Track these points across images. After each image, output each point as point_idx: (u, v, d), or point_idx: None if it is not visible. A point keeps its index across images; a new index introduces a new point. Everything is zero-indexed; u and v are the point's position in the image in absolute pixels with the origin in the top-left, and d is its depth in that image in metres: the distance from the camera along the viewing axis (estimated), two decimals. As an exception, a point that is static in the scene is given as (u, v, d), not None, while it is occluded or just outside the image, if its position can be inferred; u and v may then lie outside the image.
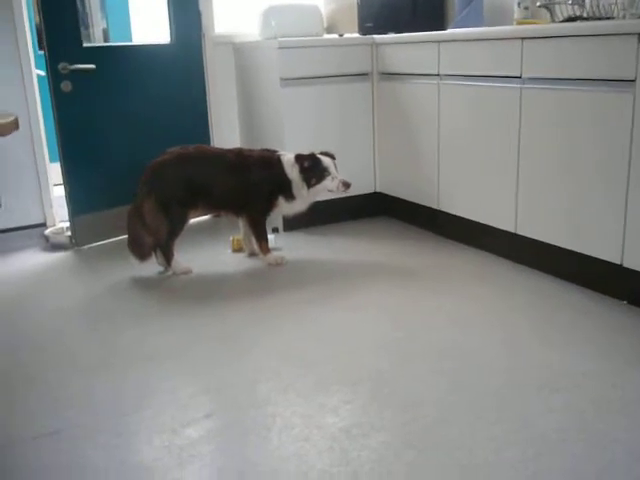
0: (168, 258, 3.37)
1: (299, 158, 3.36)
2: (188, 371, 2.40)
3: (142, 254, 3.33)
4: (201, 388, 2.28)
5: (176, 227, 3.33)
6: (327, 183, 3.36)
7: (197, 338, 2.66)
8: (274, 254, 3.51)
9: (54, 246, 3.93)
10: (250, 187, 3.36)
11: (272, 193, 3.41)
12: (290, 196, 3.42)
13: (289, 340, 2.61)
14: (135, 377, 2.36)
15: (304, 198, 3.44)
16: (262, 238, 3.47)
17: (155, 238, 3.32)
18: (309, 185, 3.36)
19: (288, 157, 3.41)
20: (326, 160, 3.38)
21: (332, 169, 3.37)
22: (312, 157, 3.38)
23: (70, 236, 3.90)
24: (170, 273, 3.39)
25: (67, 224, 3.96)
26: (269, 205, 3.44)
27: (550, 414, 2.01)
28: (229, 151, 3.46)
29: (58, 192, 4.17)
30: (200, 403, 2.18)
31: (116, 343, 2.65)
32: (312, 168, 3.35)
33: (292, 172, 3.37)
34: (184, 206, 3.32)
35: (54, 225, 4.21)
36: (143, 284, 3.32)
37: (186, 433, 1.99)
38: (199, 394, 2.24)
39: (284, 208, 3.50)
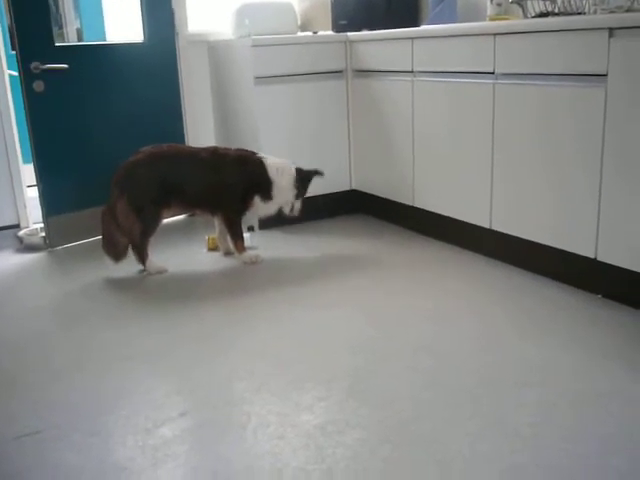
0: (142, 258, 3.35)
1: (302, 172, 3.51)
2: (163, 371, 2.39)
3: (117, 254, 3.32)
4: (176, 388, 2.27)
5: (149, 227, 3.30)
6: (298, 203, 3.55)
7: (173, 338, 2.64)
8: (249, 252, 3.50)
9: (28, 247, 3.88)
10: (225, 186, 3.35)
11: (248, 193, 3.41)
12: (268, 197, 3.44)
13: (264, 339, 2.60)
14: (111, 378, 2.34)
15: (280, 202, 3.50)
16: (237, 237, 3.47)
17: (129, 238, 3.30)
18: (297, 196, 3.51)
19: (274, 161, 3.45)
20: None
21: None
22: (311, 174, 3.55)
23: (44, 237, 3.86)
24: (145, 273, 3.36)
25: (41, 225, 3.92)
26: (244, 204, 3.44)
27: (524, 408, 2.02)
28: (203, 150, 3.43)
29: (32, 193, 4.13)
30: (175, 402, 2.16)
31: (91, 344, 2.62)
32: (305, 185, 3.54)
33: (279, 177, 3.43)
34: (157, 205, 3.29)
35: (28, 226, 4.17)
36: (118, 285, 3.29)
37: (160, 432, 1.98)
38: (174, 394, 2.23)
39: (259, 208, 3.51)
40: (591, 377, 2.17)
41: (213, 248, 3.70)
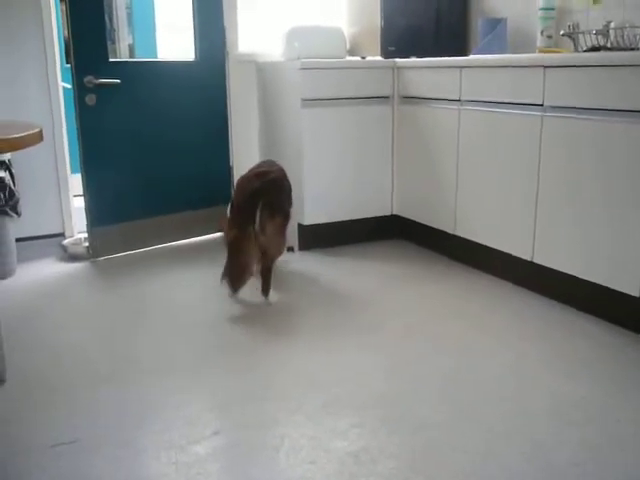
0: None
1: None
2: (197, 387, 2.40)
3: (241, 284, 3.14)
4: (209, 405, 2.28)
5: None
6: None
7: (207, 353, 2.66)
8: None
9: (71, 256, 3.96)
10: None
11: None
12: None
13: (301, 360, 2.60)
14: (144, 391, 2.36)
15: None
16: None
17: (275, 257, 3.17)
18: None
19: None
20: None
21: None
22: None
23: (87, 247, 3.93)
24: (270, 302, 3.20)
25: (85, 235, 3.99)
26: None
27: (565, 446, 1.98)
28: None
29: (78, 203, 4.21)
30: (208, 420, 2.17)
31: (127, 356, 2.65)
32: None
33: None
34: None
35: (72, 236, 4.25)
36: (155, 297, 3.32)
37: (194, 450, 1.98)
38: (207, 411, 2.23)
39: None
40: (634, 420, 2.12)
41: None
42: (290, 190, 3.40)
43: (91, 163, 3.80)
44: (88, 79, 3.65)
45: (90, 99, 3.69)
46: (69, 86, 3.81)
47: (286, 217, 3.18)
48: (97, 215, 3.86)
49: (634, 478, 1.83)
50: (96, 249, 3.91)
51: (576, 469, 1.87)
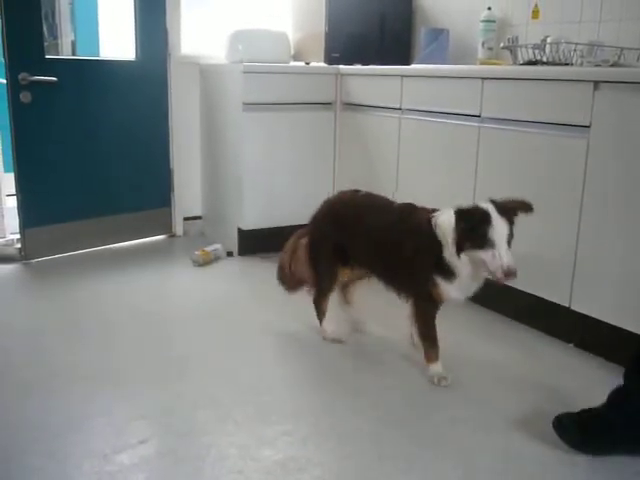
0: (319, 318, 2.86)
1: (460, 213, 2.29)
2: (128, 395, 2.34)
3: (291, 287, 2.91)
4: (139, 413, 2.21)
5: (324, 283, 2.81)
6: (483, 255, 2.21)
7: (139, 360, 2.60)
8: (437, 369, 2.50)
9: (2, 258, 3.83)
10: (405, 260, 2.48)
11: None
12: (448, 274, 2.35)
13: (234, 366, 2.56)
14: (72, 399, 2.29)
15: (462, 274, 2.32)
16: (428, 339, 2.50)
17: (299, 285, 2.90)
18: (460, 249, 2.26)
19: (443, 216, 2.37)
20: (497, 222, 2.21)
21: (498, 238, 2.20)
22: (475, 212, 2.26)
23: (19, 248, 3.82)
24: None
25: (17, 236, 3.87)
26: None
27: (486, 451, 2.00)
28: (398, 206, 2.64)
29: (11, 203, 4.09)
30: (136, 428, 2.11)
31: (55, 363, 2.56)
32: (472, 228, 2.23)
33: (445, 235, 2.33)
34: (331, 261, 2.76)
35: (4, 236, 4.12)
36: (89, 302, 3.24)
37: (118, 459, 1.94)
38: (136, 419, 2.18)
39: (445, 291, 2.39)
40: None
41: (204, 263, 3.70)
42: None
43: (25, 162, 3.68)
44: (22, 76, 3.54)
45: (25, 97, 3.58)
46: (3, 81, 3.70)
47: None
48: (30, 216, 3.75)
49: None
50: (28, 251, 3.79)
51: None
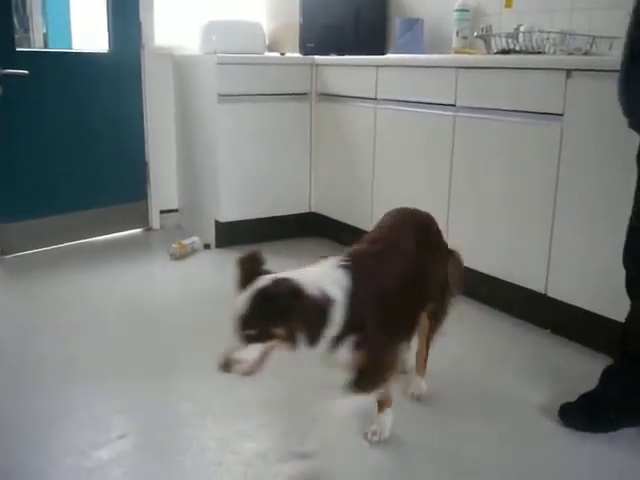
0: None
1: None
2: (108, 390, 2.33)
3: None
4: (119, 407, 2.21)
5: None
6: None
7: (120, 354, 2.59)
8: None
9: (-24, 254, 3.79)
10: None
11: None
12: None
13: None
14: (52, 394, 2.28)
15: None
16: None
17: None
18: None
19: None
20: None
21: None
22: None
23: (-6, 244, 3.78)
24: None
25: (-8, 232, 3.83)
26: None
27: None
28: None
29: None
30: (115, 423, 2.11)
31: (33, 358, 2.54)
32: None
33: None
34: None
35: (-22, 232, 4.07)
36: (67, 296, 3.22)
37: (97, 455, 1.93)
38: (116, 413, 2.17)
39: None
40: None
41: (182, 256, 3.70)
42: None
43: (-2, 156, 3.65)
44: (-7, 69, 3.50)
45: (-4, 90, 3.53)
46: (-26, 75, 3.64)
47: None
48: (4, 211, 3.70)
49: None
50: (4, 246, 3.75)
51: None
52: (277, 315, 1.58)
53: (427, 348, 2.22)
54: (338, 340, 1.67)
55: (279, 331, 1.59)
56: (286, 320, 1.58)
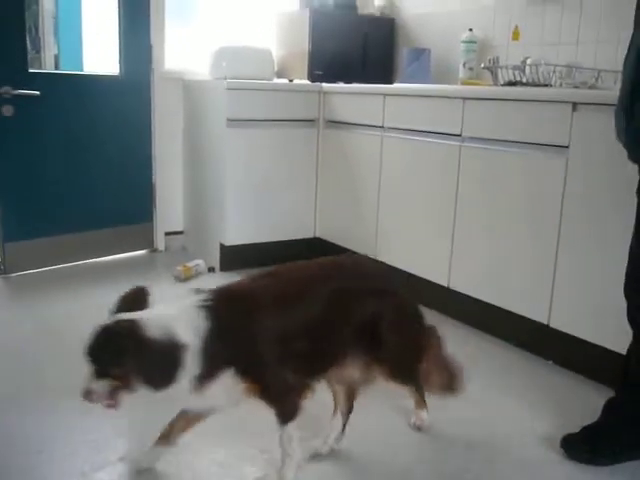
0: None
1: None
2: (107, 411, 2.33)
3: None
4: (118, 430, 2.21)
5: None
6: None
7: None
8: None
9: (-19, 272, 3.80)
10: None
11: None
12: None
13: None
14: (51, 415, 2.28)
15: None
16: None
17: None
18: None
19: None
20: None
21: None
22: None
23: (0, 262, 3.79)
24: None
25: (-3, 250, 3.85)
26: None
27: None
28: None
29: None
30: (115, 446, 2.11)
31: (34, 379, 2.55)
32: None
33: None
34: None
35: (-16, 250, 4.08)
36: (69, 317, 3.22)
37: (97, 477, 1.93)
38: (115, 436, 2.17)
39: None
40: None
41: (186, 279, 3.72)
42: None
43: (6, 175, 3.67)
44: (5, 89, 3.54)
45: (7, 110, 3.57)
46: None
47: None
48: (11, 229, 3.73)
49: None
50: (9, 265, 3.77)
51: None
52: (113, 355, 1.59)
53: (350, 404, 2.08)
54: (205, 378, 1.64)
55: (116, 371, 1.60)
56: (120, 362, 1.59)
